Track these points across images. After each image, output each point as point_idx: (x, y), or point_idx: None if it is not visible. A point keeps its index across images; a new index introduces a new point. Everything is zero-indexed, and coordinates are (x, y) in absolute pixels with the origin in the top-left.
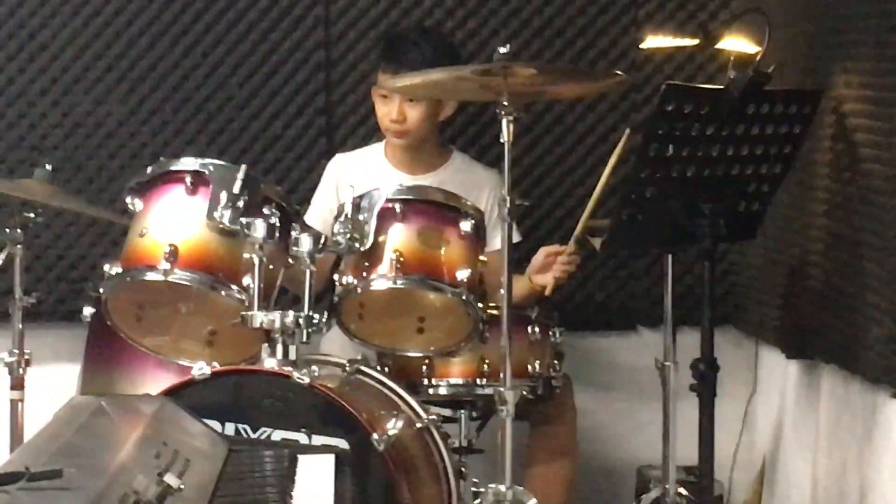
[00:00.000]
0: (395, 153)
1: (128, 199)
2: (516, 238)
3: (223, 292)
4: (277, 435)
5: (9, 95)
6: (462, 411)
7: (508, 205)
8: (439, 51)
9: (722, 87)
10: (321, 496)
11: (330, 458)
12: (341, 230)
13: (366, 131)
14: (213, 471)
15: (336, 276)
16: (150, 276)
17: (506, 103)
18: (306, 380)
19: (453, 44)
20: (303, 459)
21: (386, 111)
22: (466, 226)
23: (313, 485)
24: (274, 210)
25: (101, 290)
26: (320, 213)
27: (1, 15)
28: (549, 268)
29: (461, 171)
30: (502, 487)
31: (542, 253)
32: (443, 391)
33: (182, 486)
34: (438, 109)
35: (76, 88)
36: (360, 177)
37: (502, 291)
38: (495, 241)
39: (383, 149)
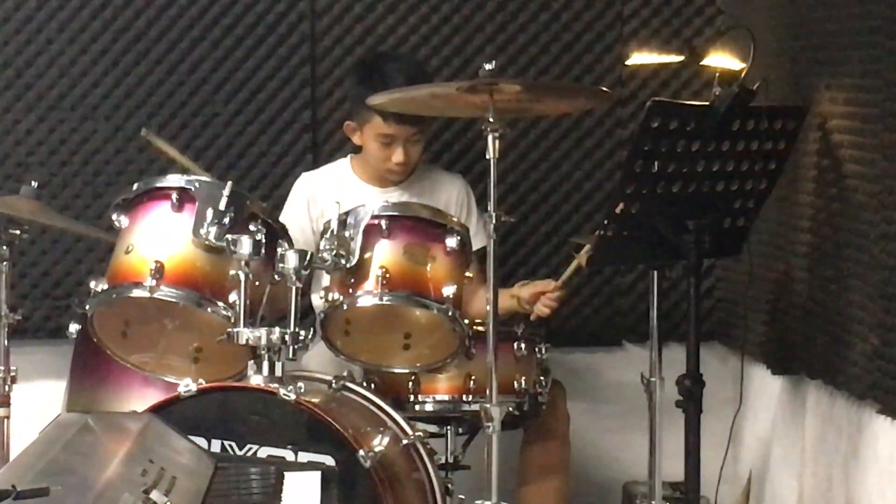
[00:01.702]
0: (364, 168)
1: (114, 216)
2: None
3: (209, 309)
4: (264, 451)
5: None
6: (448, 427)
7: (494, 221)
8: (416, 70)
9: (707, 103)
10: None
11: (316, 475)
12: (327, 246)
13: (351, 147)
14: (199, 488)
15: (322, 293)
16: (136, 292)
17: (491, 119)
18: (292, 396)
19: (424, 66)
20: (289, 476)
21: (387, 154)
22: (452, 242)
23: (300, 501)
24: (260, 227)
25: (86, 307)
26: (291, 232)
27: None
28: (536, 301)
29: (427, 179)
30: (489, 503)
31: (529, 291)
32: (429, 407)
33: None
34: (428, 136)
35: (62, 105)
36: (331, 193)
37: (488, 307)
38: None
39: (349, 164)
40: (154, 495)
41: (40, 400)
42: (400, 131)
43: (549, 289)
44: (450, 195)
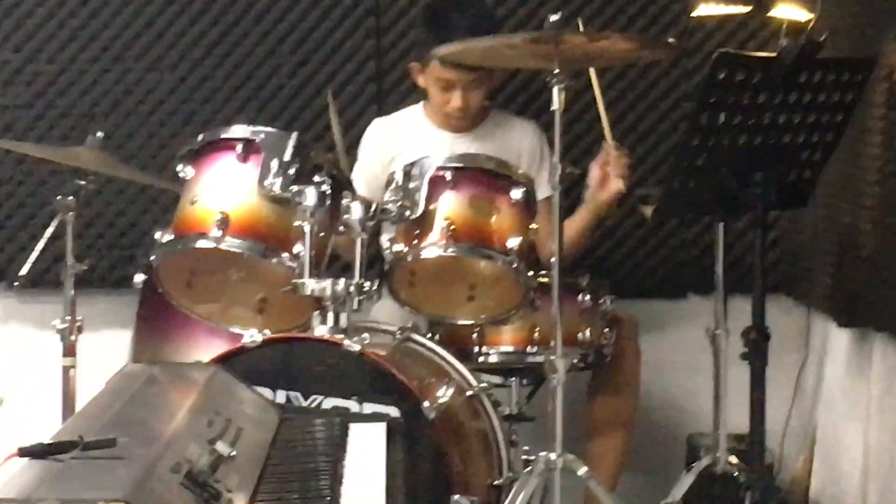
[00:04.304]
0: (437, 113)
1: (179, 167)
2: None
3: (274, 260)
4: (329, 402)
5: (61, 63)
6: (512, 379)
7: (559, 172)
8: (484, 19)
9: (774, 54)
10: (373, 464)
11: (382, 426)
12: (392, 198)
13: (416, 98)
14: (265, 439)
15: (386, 244)
16: (202, 243)
17: (557, 71)
18: (357, 347)
19: (493, 12)
20: (354, 427)
21: (446, 98)
22: (517, 194)
23: (365, 452)
24: (325, 177)
25: (152, 258)
26: (365, 178)
27: None
28: (607, 178)
29: (500, 126)
30: (553, 455)
31: (596, 169)
32: (493, 359)
33: (234, 454)
34: (493, 83)
35: (128, 56)
36: (404, 139)
37: (553, 259)
38: (539, 190)
39: (422, 109)
40: (220, 446)
41: (106, 350)
42: (457, 76)
43: (608, 152)
44: (521, 142)
